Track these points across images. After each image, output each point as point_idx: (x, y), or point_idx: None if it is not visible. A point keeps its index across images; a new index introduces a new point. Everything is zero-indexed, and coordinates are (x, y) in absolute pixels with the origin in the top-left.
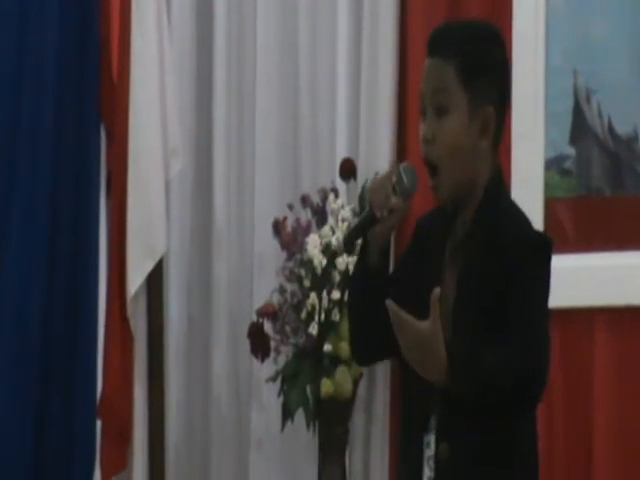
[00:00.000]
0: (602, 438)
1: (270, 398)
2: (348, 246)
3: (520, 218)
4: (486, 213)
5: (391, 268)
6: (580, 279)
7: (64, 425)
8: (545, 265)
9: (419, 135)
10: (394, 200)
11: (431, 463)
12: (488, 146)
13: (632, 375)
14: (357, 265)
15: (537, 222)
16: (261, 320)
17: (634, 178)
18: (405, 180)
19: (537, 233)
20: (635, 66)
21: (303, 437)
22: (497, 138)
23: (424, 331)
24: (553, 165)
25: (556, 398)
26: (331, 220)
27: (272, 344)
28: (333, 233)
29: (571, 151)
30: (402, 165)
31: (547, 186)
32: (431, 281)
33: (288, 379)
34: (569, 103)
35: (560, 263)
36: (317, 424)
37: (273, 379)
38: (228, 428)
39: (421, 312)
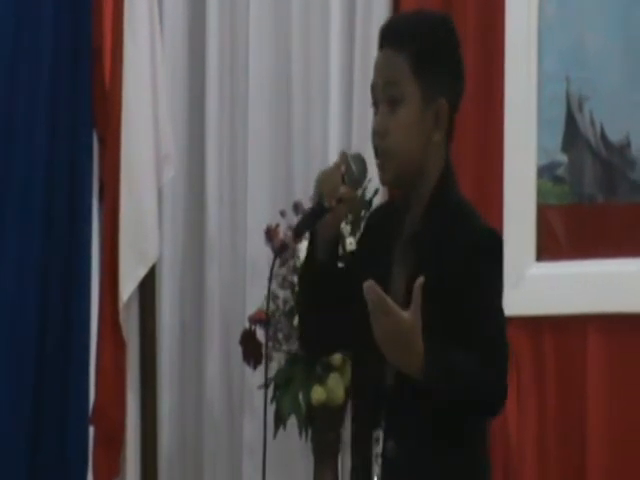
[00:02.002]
0: (595, 444)
1: (262, 405)
2: (299, 236)
3: (471, 214)
4: (437, 208)
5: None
6: (573, 286)
7: (57, 431)
8: (498, 264)
9: (371, 128)
10: (343, 189)
11: (379, 460)
12: (440, 140)
13: (625, 382)
14: (306, 258)
15: (529, 229)
16: (253, 327)
17: (626, 185)
18: (354, 169)
19: (488, 231)
20: (628, 73)
21: (295, 444)
22: (450, 130)
23: (405, 320)
24: (545, 172)
25: (549, 404)
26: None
27: (264, 351)
28: None
29: (563, 158)
30: (351, 154)
31: (539, 193)
32: (380, 276)
33: (280, 386)
34: (562, 110)
35: (553, 270)
36: (309, 431)
37: (265, 386)
38: (220, 434)
39: (366, 308)
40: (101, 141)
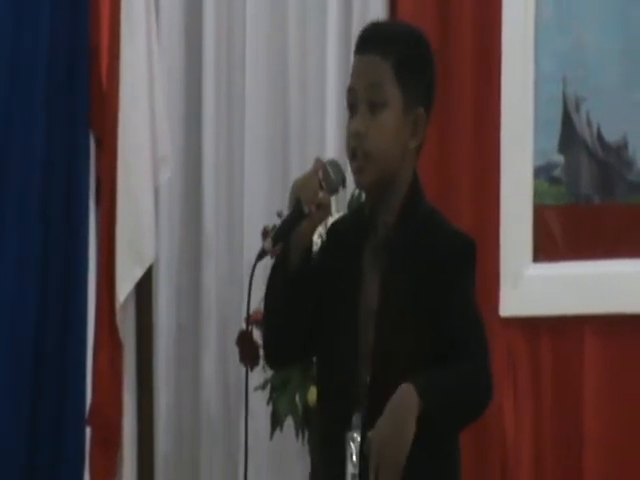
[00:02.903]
0: (592, 446)
1: (259, 406)
2: (277, 242)
3: (443, 220)
4: (409, 214)
5: None
6: (569, 287)
7: (54, 432)
8: (471, 268)
9: (347, 130)
10: (321, 195)
11: (354, 460)
12: (414, 149)
13: (622, 383)
14: (277, 265)
15: (526, 230)
16: (250, 328)
17: (623, 186)
18: (332, 175)
19: (462, 238)
20: (624, 74)
21: (292, 445)
22: (422, 143)
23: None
24: (542, 173)
25: (546, 405)
26: (320, 228)
27: (261, 352)
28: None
29: (560, 159)
30: (328, 161)
31: (536, 194)
32: (348, 282)
33: (277, 387)
34: (558, 111)
35: (549, 271)
36: (306, 432)
37: (262, 387)
38: (217, 435)
39: (337, 312)
40: (98, 141)
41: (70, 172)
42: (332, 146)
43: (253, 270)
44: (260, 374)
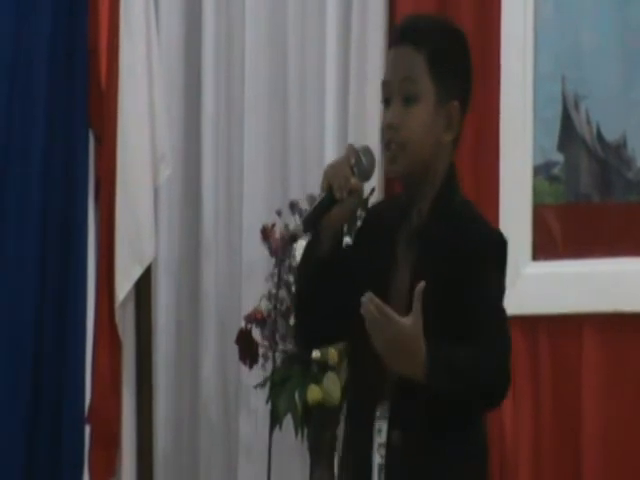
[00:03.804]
0: (591, 444)
1: (258, 404)
2: (308, 228)
3: (476, 215)
4: (444, 204)
5: None
6: (568, 285)
7: (53, 431)
8: (502, 264)
9: (381, 122)
10: (353, 181)
11: (382, 451)
12: (449, 142)
13: (620, 381)
14: (308, 250)
15: (525, 228)
16: (249, 326)
17: (622, 185)
18: (364, 161)
19: (493, 231)
20: (623, 73)
21: (291, 443)
22: (458, 134)
23: (406, 327)
24: (541, 171)
25: (545, 403)
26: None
27: (260, 350)
28: None
29: (559, 157)
30: (360, 147)
31: (535, 192)
32: (381, 268)
33: (276, 385)
34: (558, 109)
35: (549, 269)
36: (305, 430)
37: (261, 385)
38: (217, 434)
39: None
40: (97, 141)
41: (69, 171)
42: (331, 146)
43: (284, 254)
44: (259, 372)
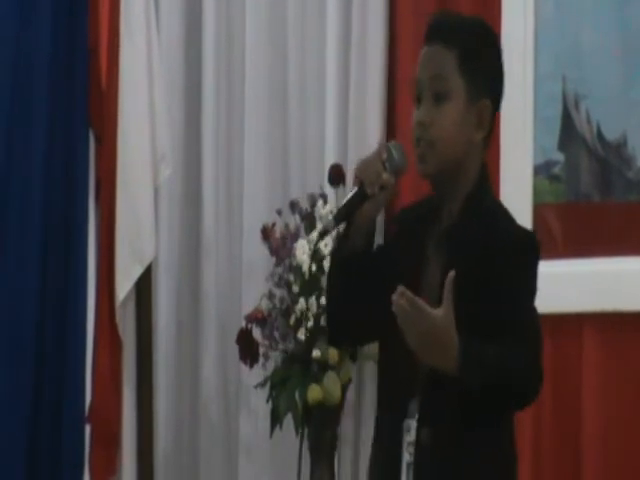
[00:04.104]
0: (591, 443)
1: (259, 404)
2: (339, 222)
3: (507, 215)
4: (475, 205)
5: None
6: (569, 285)
7: (53, 430)
8: (533, 264)
9: (412, 120)
10: (385, 176)
11: (411, 449)
12: (480, 140)
13: (620, 380)
14: (339, 245)
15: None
16: (250, 326)
17: (622, 184)
18: (396, 157)
19: (525, 232)
20: (624, 72)
21: (292, 443)
22: (489, 134)
23: (438, 319)
24: (542, 171)
25: (545, 403)
26: (320, 226)
27: (261, 350)
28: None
29: (560, 157)
30: (391, 143)
31: (536, 192)
32: (413, 269)
33: (277, 385)
34: (558, 109)
35: (549, 269)
36: (306, 430)
37: (262, 385)
38: (217, 434)
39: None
40: (98, 140)
41: (70, 171)
42: (331, 146)
43: (315, 247)
44: (259, 372)
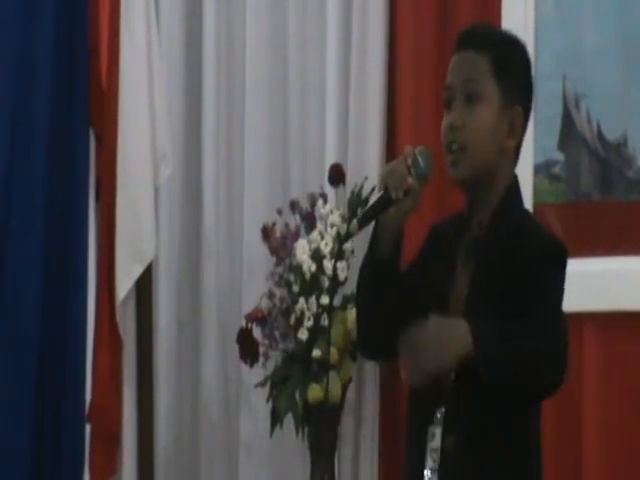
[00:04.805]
0: (591, 443)
1: (259, 403)
2: (363, 226)
3: (537, 224)
4: (505, 214)
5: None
6: (569, 284)
7: (53, 430)
8: (561, 270)
9: (443, 125)
10: (410, 181)
11: (434, 455)
12: (512, 148)
13: (621, 380)
14: (368, 254)
15: None
16: (250, 325)
17: (623, 183)
18: (421, 162)
19: (553, 240)
20: (624, 71)
21: (292, 442)
22: (520, 143)
23: (434, 319)
24: (542, 170)
25: (545, 403)
26: (320, 225)
27: (261, 349)
28: (322, 238)
29: (560, 156)
30: (418, 149)
31: (536, 191)
32: (442, 279)
33: (277, 384)
34: (558, 108)
35: None
36: (306, 429)
37: (262, 384)
38: (217, 433)
39: (428, 312)
40: (98, 140)
41: (70, 170)
42: (332, 145)
43: (338, 254)
44: (260, 371)
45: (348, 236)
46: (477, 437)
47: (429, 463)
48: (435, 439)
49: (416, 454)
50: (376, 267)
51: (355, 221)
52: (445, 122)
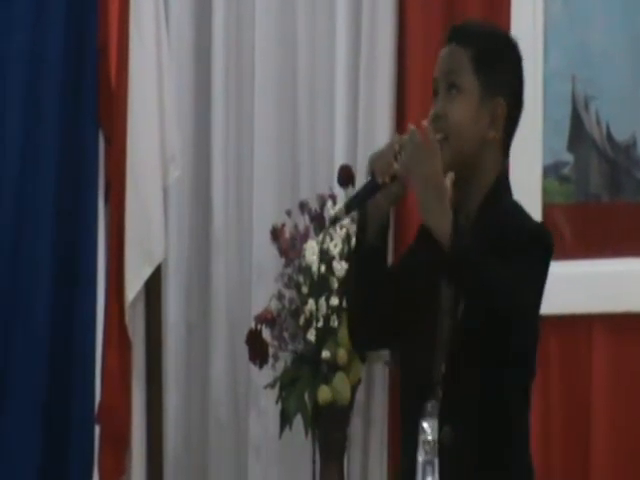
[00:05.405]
0: (600, 443)
1: (268, 404)
2: (350, 210)
3: (525, 214)
4: (492, 206)
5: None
6: (578, 286)
7: (63, 430)
8: (540, 255)
9: (429, 115)
10: (396, 166)
11: (427, 447)
12: (496, 139)
13: (630, 381)
14: (355, 244)
15: None
16: (259, 326)
17: (632, 185)
18: None
19: (538, 226)
20: (633, 73)
21: (301, 443)
22: (508, 136)
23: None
24: (551, 171)
25: (554, 404)
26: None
27: (270, 350)
28: (331, 239)
29: (569, 157)
30: (405, 136)
31: (545, 192)
32: (430, 272)
33: (286, 385)
34: (567, 109)
35: (558, 269)
36: (315, 430)
37: (271, 385)
38: (226, 434)
39: (418, 304)
40: (107, 141)
41: (79, 171)
42: (341, 146)
43: (325, 235)
44: (269, 372)
45: (335, 220)
46: (472, 426)
47: (421, 456)
48: (427, 431)
49: (409, 447)
50: (364, 258)
51: (342, 205)
52: (430, 112)
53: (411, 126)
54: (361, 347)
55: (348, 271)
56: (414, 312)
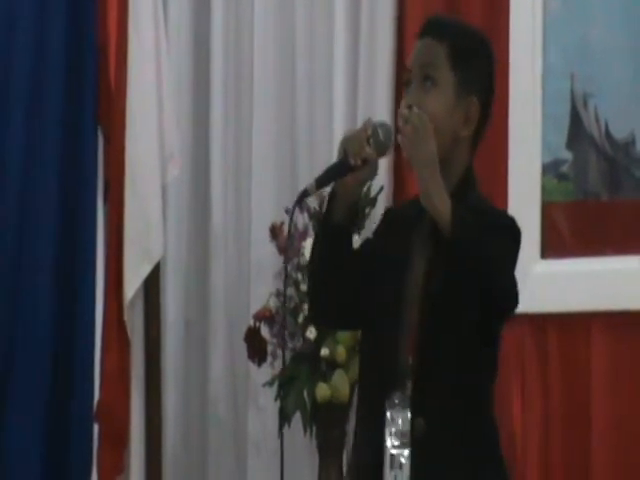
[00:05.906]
0: (600, 441)
1: (267, 402)
2: (320, 187)
3: (491, 206)
4: (459, 200)
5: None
6: (577, 284)
7: (62, 429)
8: (513, 242)
9: (401, 105)
10: (368, 150)
11: (395, 439)
12: (467, 139)
13: (629, 379)
14: (322, 222)
15: (534, 226)
16: (258, 324)
17: (631, 182)
18: (381, 135)
19: (507, 217)
20: (633, 70)
21: (300, 441)
22: (477, 137)
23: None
24: (550, 169)
25: (554, 402)
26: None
27: (269, 348)
28: None
29: (568, 155)
30: (379, 122)
31: (544, 190)
32: (397, 266)
33: (285, 383)
34: (566, 107)
35: (557, 267)
36: (314, 428)
37: (270, 383)
38: (225, 432)
39: (383, 294)
40: (106, 139)
41: (79, 170)
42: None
43: (293, 211)
44: (268, 370)
45: (305, 194)
46: (444, 416)
47: (388, 448)
48: (398, 423)
49: (373, 440)
50: (329, 237)
51: (313, 181)
52: (402, 103)
53: (367, 119)
54: (320, 321)
55: (312, 247)
56: (378, 296)
